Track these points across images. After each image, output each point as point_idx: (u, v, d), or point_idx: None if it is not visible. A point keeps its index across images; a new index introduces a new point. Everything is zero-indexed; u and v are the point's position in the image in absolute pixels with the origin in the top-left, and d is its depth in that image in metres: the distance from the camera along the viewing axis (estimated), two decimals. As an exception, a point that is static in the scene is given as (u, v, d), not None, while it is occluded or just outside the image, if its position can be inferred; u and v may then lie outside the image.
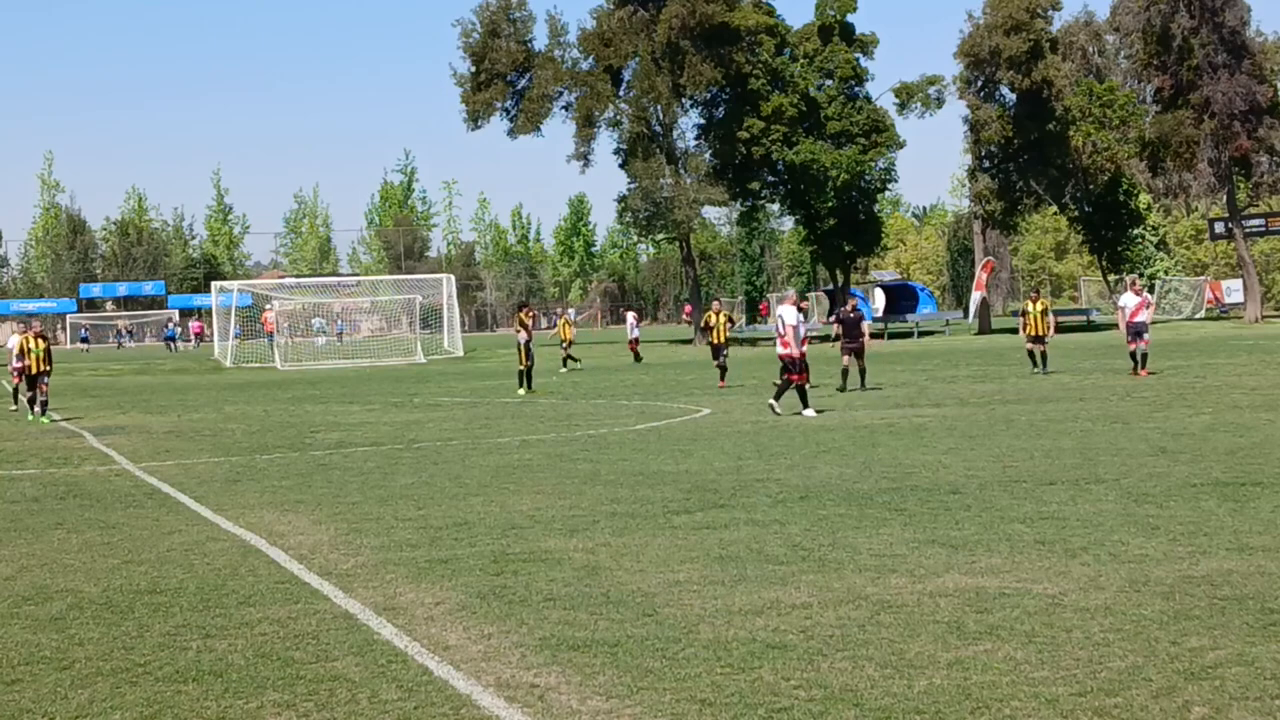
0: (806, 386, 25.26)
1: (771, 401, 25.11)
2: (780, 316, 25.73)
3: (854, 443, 19.66)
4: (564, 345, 51.66)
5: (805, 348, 25.52)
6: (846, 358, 31.16)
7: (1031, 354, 35.56)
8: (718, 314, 37.49)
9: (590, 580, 10.24)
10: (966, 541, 11.20)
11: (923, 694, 7.05)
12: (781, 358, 25.62)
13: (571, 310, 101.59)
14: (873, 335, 40.03)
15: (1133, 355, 33.24)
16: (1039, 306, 35.45)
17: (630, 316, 64.87)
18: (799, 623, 8.63)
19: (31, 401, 30.95)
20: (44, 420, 30.03)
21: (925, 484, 14.82)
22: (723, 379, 35.65)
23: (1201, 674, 7.24)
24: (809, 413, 24.35)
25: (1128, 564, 10.08)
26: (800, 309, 29.06)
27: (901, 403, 27.37)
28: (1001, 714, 6.71)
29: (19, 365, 30.65)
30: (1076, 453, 17.30)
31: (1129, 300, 33.86)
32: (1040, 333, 35.18)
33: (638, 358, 56.60)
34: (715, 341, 36.74)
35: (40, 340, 30.88)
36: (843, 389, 30.33)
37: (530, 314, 38.08)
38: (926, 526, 12.03)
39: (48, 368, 30.79)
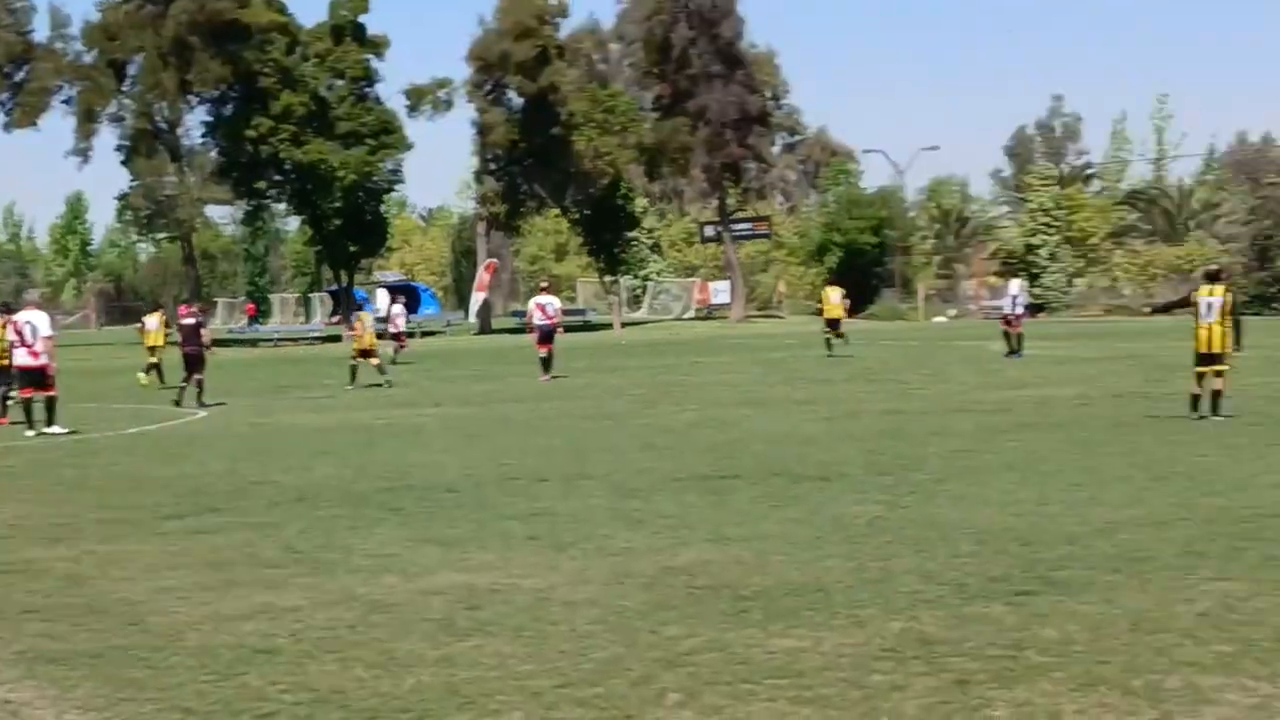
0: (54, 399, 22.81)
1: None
2: (30, 323, 22.67)
3: (352, 444, 19.58)
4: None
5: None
6: (191, 376, 28.35)
7: (829, 340, 39.33)
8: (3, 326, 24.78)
9: (73, 590, 9.84)
10: (460, 539, 11.34)
11: (410, 692, 7.11)
12: (20, 368, 22.90)
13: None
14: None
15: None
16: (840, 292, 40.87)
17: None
18: (289, 626, 8.54)
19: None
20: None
21: (422, 483, 14.92)
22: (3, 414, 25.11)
23: (678, 661, 7.52)
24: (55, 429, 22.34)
25: (613, 557, 10.43)
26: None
27: (402, 403, 27.47)
28: (486, 709, 6.83)
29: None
30: (569, 450, 17.79)
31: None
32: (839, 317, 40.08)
33: None
34: None
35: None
36: (204, 405, 27.38)
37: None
38: (422, 525, 12.13)
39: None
